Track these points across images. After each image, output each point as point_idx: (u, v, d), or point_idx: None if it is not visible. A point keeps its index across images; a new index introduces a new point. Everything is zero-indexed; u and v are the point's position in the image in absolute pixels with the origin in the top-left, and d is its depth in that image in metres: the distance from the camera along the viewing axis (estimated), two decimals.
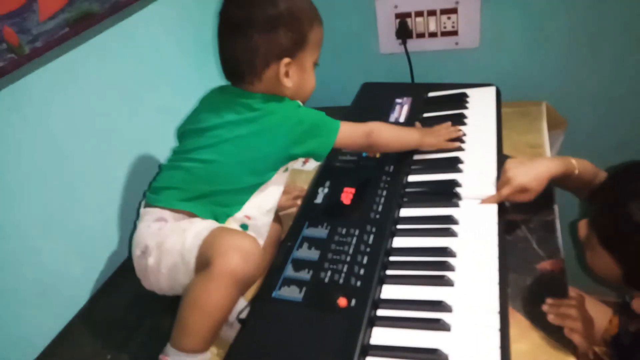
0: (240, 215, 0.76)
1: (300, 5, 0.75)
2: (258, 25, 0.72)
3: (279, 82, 0.75)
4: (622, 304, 0.72)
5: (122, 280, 0.89)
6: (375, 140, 0.84)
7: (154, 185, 0.78)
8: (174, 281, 0.71)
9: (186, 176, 0.75)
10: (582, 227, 0.71)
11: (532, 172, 0.78)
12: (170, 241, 0.70)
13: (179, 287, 0.71)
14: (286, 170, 0.81)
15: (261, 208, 0.79)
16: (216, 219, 0.75)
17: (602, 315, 0.74)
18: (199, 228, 0.70)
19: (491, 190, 0.81)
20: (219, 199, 0.75)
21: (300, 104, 0.80)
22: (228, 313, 0.67)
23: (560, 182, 0.82)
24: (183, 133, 0.81)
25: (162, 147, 0.87)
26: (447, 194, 0.83)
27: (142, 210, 0.77)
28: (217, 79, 0.80)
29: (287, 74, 0.75)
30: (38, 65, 0.75)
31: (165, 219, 0.74)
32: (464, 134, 0.95)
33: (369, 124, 0.85)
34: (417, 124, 1.00)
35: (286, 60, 0.74)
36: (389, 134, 0.87)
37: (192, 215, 0.74)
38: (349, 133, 0.81)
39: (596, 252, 0.68)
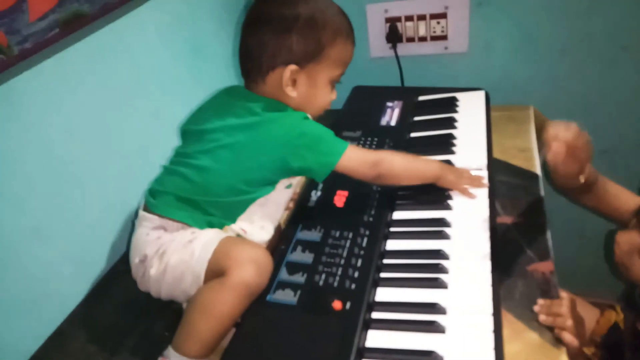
0: (236, 227, 0.75)
1: (325, 16, 0.72)
2: (272, 22, 0.71)
3: (282, 89, 0.73)
4: (627, 301, 0.70)
5: (113, 284, 0.87)
6: (384, 171, 0.76)
7: (152, 187, 0.77)
8: (177, 288, 0.70)
9: (182, 183, 0.73)
10: (625, 239, 0.67)
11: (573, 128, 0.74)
12: (176, 255, 0.69)
13: (181, 294, 0.70)
14: (289, 186, 0.80)
15: (256, 223, 0.77)
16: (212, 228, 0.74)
17: (590, 316, 0.76)
18: (206, 239, 0.70)
19: (483, 194, 0.82)
20: (213, 209, 0.73)
21: (308, 115, 0.76)
22: (235, 321, 0.67)
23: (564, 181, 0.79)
24: (185, 132, 0.80)
25: (154, 151, 0.86)
26: (439, 197, 0.83)
27: (140, 212, 0.76)
28: (210, 82, 0.80)
29: (293, 82, 0.73)
30: (28, 66, 0.74)
31: (164, 228, 0.73)
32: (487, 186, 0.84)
33: (379, 152, 0.79)
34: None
35: (293, 67, 0.72)
36: (401, 164, 0.79)
37: (189, 225, 0.73)
38: (355, 158, 0.75)
39: None
